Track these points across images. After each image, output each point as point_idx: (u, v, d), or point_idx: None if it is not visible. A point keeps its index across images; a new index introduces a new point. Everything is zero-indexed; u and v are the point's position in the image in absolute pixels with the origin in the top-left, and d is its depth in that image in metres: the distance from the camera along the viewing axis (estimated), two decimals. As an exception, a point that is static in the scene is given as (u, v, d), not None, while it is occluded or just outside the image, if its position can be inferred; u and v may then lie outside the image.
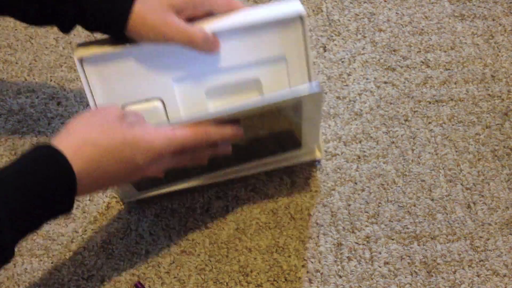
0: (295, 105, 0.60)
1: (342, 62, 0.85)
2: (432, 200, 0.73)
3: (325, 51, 0.86)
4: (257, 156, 0.71)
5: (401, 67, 0.84)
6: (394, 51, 0.86)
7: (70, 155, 0.50)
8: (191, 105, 0.66)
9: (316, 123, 0.67)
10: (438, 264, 0.69)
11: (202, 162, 0.61)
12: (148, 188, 0.71)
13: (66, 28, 0.61)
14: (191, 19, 0.60)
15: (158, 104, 0.65)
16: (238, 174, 0.73)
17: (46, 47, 0.88)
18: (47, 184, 0.50)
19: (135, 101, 0.65)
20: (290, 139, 0.69)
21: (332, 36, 0.87)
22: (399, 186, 0.74)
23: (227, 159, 0.66)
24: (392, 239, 0.71)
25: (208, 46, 0.61)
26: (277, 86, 0.66)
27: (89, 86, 0.64)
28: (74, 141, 0.52)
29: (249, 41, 0.64)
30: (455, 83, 0.83)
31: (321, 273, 0.69)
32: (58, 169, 0.50)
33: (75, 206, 0.74)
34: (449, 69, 0.84)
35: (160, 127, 0.56)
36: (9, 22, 0.91)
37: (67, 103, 0.82)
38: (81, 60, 0.62)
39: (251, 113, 0.59)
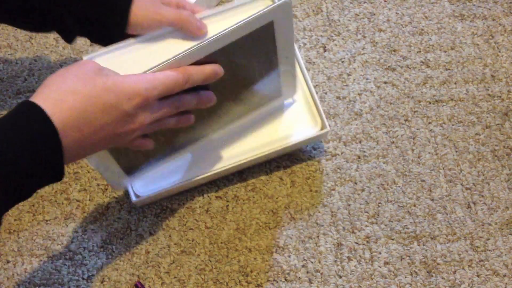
0: (267, 34, 0.61)
1: (342, 62, 0.85)
2: (432, 200, 0.73)
3: (325, 51, 0.86)
4: (239, 113, 0.70)
5: (401, 67, 0.84)
6: (394, 51, 0.86)
7: (50, 107, 0.47)
8: None
9: (290, 61, 0.65)
10: (438, 264, 0.69)
11: (188, 120, 0.60)
12: (139, 167, 0.68)
13: (69, 39, 0.66)
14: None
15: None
16: (232, 163, 0.71)
17: (46, 47, 0.88)
18: (28, 143, 0.46)
19: None
20: (269, 86, 0.68)
21: (332, 36, 0.87)
22: (399, 186, 0.74)
23: (210, 124, 0.67)
24: (392, 239, 0.71)
25: (197, 28, 0.65)
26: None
27: None
28: (53, 93, 0.49)
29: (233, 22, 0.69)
30: (455, 83, 0.83)
31: (321, 273, 0.69)
32: (37, 126, 0.47)
33: (75, 205, 0.74)
34: (449, 69, 0.84)
35: (140, 74, 0.54)
36: (9, 22, 0.92)
37: (67, 103, 0.82)
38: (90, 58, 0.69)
39: (226, 45, 0.58)
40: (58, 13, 0.62)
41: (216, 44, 0.57)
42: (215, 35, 0.56)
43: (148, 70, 0.54)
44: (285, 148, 0.72)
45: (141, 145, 0.58)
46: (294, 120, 0.74)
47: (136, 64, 0.64)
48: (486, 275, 0.68)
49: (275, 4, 0.58)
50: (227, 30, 0.57)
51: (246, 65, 0.64)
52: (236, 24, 0.57)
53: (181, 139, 0.68)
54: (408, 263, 0.69)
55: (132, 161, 0.66)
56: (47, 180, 0.49)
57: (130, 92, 0.51)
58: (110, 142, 0.54)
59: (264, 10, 0.58)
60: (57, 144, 0.47)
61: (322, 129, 0.73)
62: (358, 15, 0.90)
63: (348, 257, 0.69)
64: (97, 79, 0.50)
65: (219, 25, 0.67)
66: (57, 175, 0.49)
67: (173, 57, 0.55)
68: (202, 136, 0.71)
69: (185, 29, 0.63)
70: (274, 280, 0.68)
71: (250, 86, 0.68)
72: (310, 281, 0.68)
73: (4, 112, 0.82)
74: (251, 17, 0.57)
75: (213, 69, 0.58)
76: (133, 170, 0.68)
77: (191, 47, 0.56)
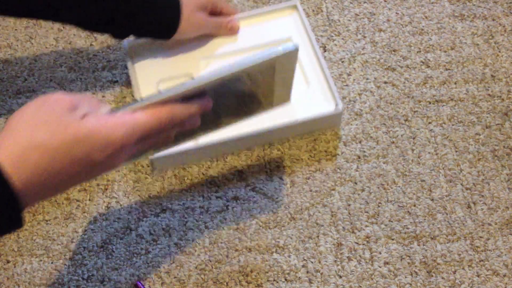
0: (268, 66, 0.57)
1: (342, 62, 0.85)
2: (432, 200, 0.73)
3: (325, 51, 0.86)
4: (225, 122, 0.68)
5: (401, 67, 0.84)
6: (394, 51, 0.86)
7: (11, 166, 0.43)
8: None
9: (288, 80, 0.63)
10: (438, 264, 0.69)
11: (168, 141, 0.56)
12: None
13: (120, 36, 0.77)
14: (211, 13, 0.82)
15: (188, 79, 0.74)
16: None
17: (46, 47, 0.88)
18: None
19: (169, 77, 0.74)
20: (261, 99, 0.66)
21: (332, 36, 0.87)
22: (399, 186, 0.74)
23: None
24: (392, 239, 0.71)
25: (232, 30, 0.84)
26: None
27: (133, 66, 0.81)
28: (16, 147, 0.44)
29: (260, 28, 0.85)
30: (455, 83, 0.83)
31: (321, 273, 0.69)
32: None
33: (75, 205, 0.74)
34: (449, 69, 0.84)
35: (118, 113, 0.49)
36: (9, 22, 0.91)
37: (67, 103, 0.82)
38: (131, 47, 0.83)
39: (221, 82, 0.54)
40: (114, 11, 0.72)
41: (211, 83, 0.53)
42: (214, 73, 0.52)
43: (132, 106, 0.50)
44: (303, 124, 0.75)
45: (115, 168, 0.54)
46: (309, 103, 0.78)
47: (172, 56, 0.81)
48: (486, 275, 0.68)
49: (281, 51, 0.55)
50: (228, 72, 0.53)
51: (238, 95, 0.62)
52: (235, 66, 0.53)
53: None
54: (408, 263, 0.69)
55: None
56: (5, 230, 0.47)
57: (104, 144, 0.46)
58: (80, 182, 0.50)
59: (269, 55, 0.54)
60: (16, 203, 0.44)
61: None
62: (358, 15, 0.90)
63: (348, 257, 0.69)
64: (68, 126, 0.45)
65: (249, 30, 0.83)
66: (15, 225, 0.46)
67: (160, 96, 0.51)
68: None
69: (220, 34, 0.83)
70: (274, 280, 0.68)
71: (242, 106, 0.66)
72: (310, 281, 0.68)
73: (4, 112, 0.82)
74: (254, 60, 0.54)
75: (201, 108, 0.53)
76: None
77: (182, 87, 0.52)
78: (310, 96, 0.78)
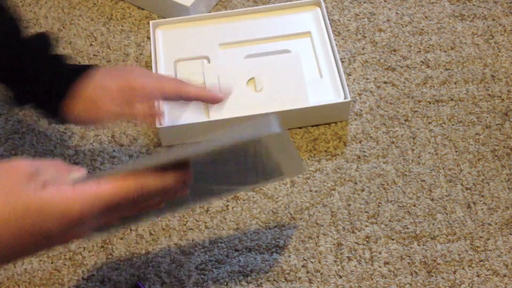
0: (254, 144, 0.52)
1: (342, 62, 0.85)
2: (432, 200, 0.73)
3: (325, 51, 0.86)
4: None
5: (401, 67, 0.84)
6: (394, 51, 0.86)
7: None
8: (231, 65, 0.83)
9: (292, 154, 0.57)
10: (438, 264, 0.69)
11: (154, 210, 0.51)
12: None
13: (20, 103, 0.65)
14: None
15: (204, 61, 0.84)
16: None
17: (46, 47, 0.88)
18: None
19: (187, 57, 0.84)
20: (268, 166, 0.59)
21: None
22: (399, 186, 0.74)
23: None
24: (392, 239, 0.71)
25: (216, 98, 0.65)
26: (303, 54, 0.84)
27: (155, 45, 0.85)
28: None
29: (281, 20, 0.88)
30: (455, 83, 0.83)
31: (321, 273, 0.69)
32: None
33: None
34: (449, 69, 0.84)
35: (82, 183, 0.44)
36: (9, 22, 0.91)
37: (67, 103, 0.82)
38: (155, 24, 0.87)
39: (205, 155, 0.50)
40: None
41: (192, 155, 0.48)
42: (193, 148, 0.47)
43: (100, 175, 0.46)
44: (314, 110, 0.77)
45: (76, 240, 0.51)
46: (321, 92, 0.80)
47: (190, 39, 0.84)
48: (486, 275, 0.68)
49: (264, 132, 0.48)
50: (207, 148, 0.48)
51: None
52: (219, 142, 0.48)
53: None
54: (408, 263, 0.69)
55: None
56: None
57: (59, 216, 0.43)
58: (38, 252, 0.46)
59: (250, 136, 0.49)
60: None
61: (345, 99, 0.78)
62: (358, 15, 0.90)
63: (348, 257, 0.69)
64: (21, 197, 0.42)
65: (268, 21, 0.85)
66: None
67: (133, 164, 0.47)
68: None
69: (204, 99, 0.65)
70: (274, 280, 0.68)
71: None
72: (310, 281, 0.68)
73: (4, 112, 0.82)
74: (234, 138, 0.48)
75: (178, 178, 0.47)
76: None
77: (156, 157, 0.49)
78: (322, 86, 0.80)
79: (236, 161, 0.54)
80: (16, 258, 0.46)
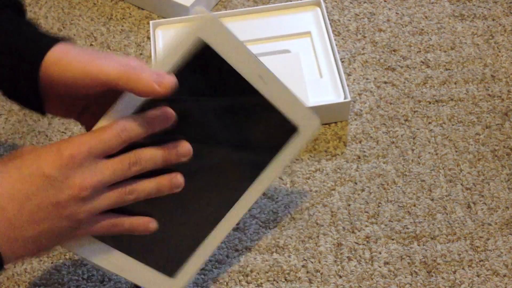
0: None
1: (342, 62, 0.85)
2: (432, 200, 0.73)
3: (325, 51, 0.86)
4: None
5: (401, 67, 0.84)
6: (394, 51, 0.86)
7: None
8: None
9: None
10: (438, 264, 0.69)
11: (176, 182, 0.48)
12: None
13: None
14: None
15: None
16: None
17: (46, 47, 0.88)
18: None
19: None
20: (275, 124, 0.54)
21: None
22: (399, 186, 0.74)
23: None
24: (392, 239, 0.71)
25: (151, 84, 0.46)
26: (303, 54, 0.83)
27: (155, 45, 0.84)
28: None
29: (282, 19, 0.87)
30: (455, 83, 0.83)
31: (321, 273, 0.69)
32: None
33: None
34: (449, 69, 0.84)
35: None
36: (9, 22, 0.91)
37: (67, 103, 0.82)
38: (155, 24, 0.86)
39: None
40: None
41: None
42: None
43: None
44: (314, 109, 0.74)
45: (113, 225, 0.47)
46: (321, 92, 0.80)
47: None
48: (486, 275, 0.68)
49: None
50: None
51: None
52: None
53: None
54: (408, 263, 0.69)
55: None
56: None
57: (51, 154, 0.42)
58: (56, 225, 0.43)
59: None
60: None
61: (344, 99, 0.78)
62: (358, 15, 0.90)
63: (348, 257, 0.69)
64: (14, 152, 0.43)
65: (269, 21, 0.80)
66: None
67: (116, 111, 0.45)
68: None
69: (132, 87, 0.44)
70: (274, 280, 0.68)
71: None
72: (310, 281, 0.68)
73: (4, 112, 0.82)
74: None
75: (158, 115, 0.45)
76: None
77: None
78: (322, 86, 0.80)
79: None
80: (45, 234, 0.43)
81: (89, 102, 0.51)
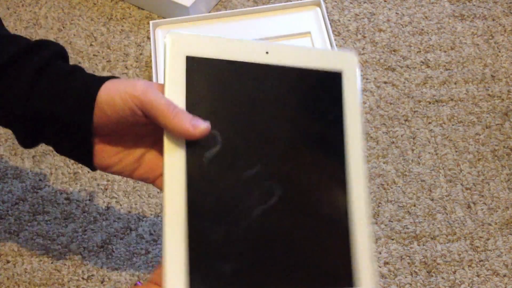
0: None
1: (342, 62, 0.85)
2: (432, 200, 0.73)
3: (325, 51, 0.86)
4: None
5: (401, 67, 0.84)
6: (394, 51, 0.86)
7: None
8: None
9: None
10: (438, 264, 0.69)
11: None
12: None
13: (25, 144, 0.50)
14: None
15: None
16: None
17: (46, 47, 0.88)
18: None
19: None
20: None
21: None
22: (399, 186, 0.74)
23: None
24: (392, 239, 0.71)
25: (190, 127, 0.45)
26: None
27: (155, 45, 0.85)
28: None
29: (280, 19, 0.88)
30: (455, 83, 0.83)
31: (321, 273, 0.69)
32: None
33: (75, 205, 0.74)
34: (449, 69, 0.84)
35: None
36: (9, 22, 0.91)
37: (67, 103, 0.82)
38: (155, 24, 0.86)
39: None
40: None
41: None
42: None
43: None
44: None
45: None
46: None
47: None
48: (486, 275, 0.68)
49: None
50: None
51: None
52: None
53: None
54: (408, 263, 0.69)
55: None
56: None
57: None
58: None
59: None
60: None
61: None
62: (358, 15, 0.90)
63: (348, 257, 0.70)
64: None
65: (268, 20, 0.82)
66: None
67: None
68: None
69: (169, 126, 0.44)
70: (274, 280, 0.68)
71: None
72: (310, 281, 0.68)
73: (4, 112, 0.82)
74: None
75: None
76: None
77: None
78: None
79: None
80: None
81: (138, 137, 0.50)
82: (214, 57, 0.48)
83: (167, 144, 0.44)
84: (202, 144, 0.45)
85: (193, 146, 0.45)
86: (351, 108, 0.52)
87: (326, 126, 0.51)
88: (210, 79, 0.47)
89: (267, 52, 0.50)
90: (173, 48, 0.46)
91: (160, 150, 0.47)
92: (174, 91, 0.46)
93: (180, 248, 0.43)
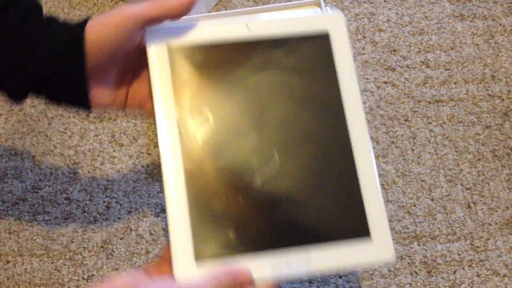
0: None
1: (342, 62, 0.85)
2: (432, 200, 0.73)
3: (325, 51, 0.86)
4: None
5: (401, 67, 0.84)
6: (394, 51, 0.86)
7: None
8: None
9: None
10: (438, 264, 0.69)
11: None
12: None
13: (16, 96, 0.48)
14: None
15: None
16: None
17: (46, 47, 0.88)
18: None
19: None
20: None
21: (332, 36, 0.88)
22: (399, 186, 0.74)
23: None
24: (392, 239, 0.71)
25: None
26: None
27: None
28: None
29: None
30: (455, 83, 0.83)
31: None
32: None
33: (75, 205, 0.74)
34: (449, 69, 0.84)
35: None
36: (9, 22, 0.91)
37: (67, 103, 0.82)
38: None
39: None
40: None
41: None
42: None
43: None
44: None
45: None
46: None
47: None
48: (486, 275, 0.68)
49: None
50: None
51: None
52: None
53: None
54: (408, 263, 0.69)
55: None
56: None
57: None
58: None
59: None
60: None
61: None
62: (358, 15, 0.90)
63: (348, 257, 0.70)
64: None
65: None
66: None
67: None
68: None
69: (166, 12, 0.46)
70: (274, 280, 0.68)
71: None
72: (310, 281, 0.68)
73: (4, 112, 0.82)
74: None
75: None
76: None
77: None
78: None
79: None
80: None
81: (126, 71, 0.51)
82: (196, 43, 0.49)
83: (160, 126, 0.46)
84: (195, 124, 0.47)
85: (186, 126, 0.47)
86: (344, 66, 0.51)
87: (320, 88, 0.51)
88: (194, 65, 0.48)
89: (248, 28, 0.50)
90: (153, 43, 0.48)
91: (140, 83, 0.50)
92: (161, 85, 0.47)
93: (184, 219, 0.44)
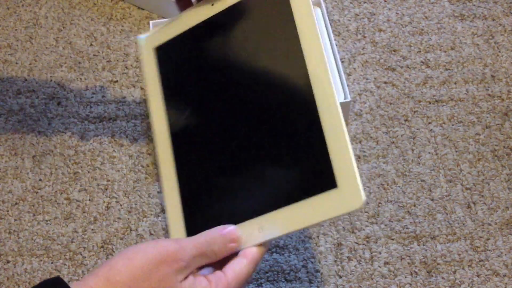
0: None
1: (342, 62, 0.85)
2: (432, 200, 0.73)
3: (325, 51, 0.86)
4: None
5: (401, 67, 0.84)
6: (394, 51, 0.86)
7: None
8: None
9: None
10: (438, 264, 0.69)
11: None
12: None
13: None
14: None
15: None
16: None
17: (46, 47, 0.88)
18: None
19: None
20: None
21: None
22: (399, 186, 0.74)
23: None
24: (392, 239, 0.71)
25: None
26: None
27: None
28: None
29: None
30: (455, 83, 0.83)
31: (321, 273, 0.69)
32: None
33: (75, 205, 0.74)
34: (449, 69, 0.84)
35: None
36: (9, 22, 0.91)
37: (67, 103, 0.82)
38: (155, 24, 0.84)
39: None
40: None
41: None
42: None
43: None
44: None
45: None
46: None
47: None
48: (486, 275, 0.68)
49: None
50: None
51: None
52: None
53: None
54: (408, 263, 0.69)
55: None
56: None
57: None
58: None
59: None
60: None
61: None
62: (358, 15, 0.90)
63: (348, 257, 0.69)
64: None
65: None
66: None
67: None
68: None
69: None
70: (274, 280, 0.68)
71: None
72: (310, 281, 0.68)
73: (4, 112, 0.82)
74: None
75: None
76: None
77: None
78: None
79: None
80: None
81: None
82: (172, 36, 0.56)
83: (153, 111, 0.54)
84: (179, 108, 0.54)
85: (173, 110, 0.54)
86: (304, 23, 0.50)
87: (281, 43, 0.51)
88: (174, 55, 0.55)
89: (212, 4, 0.55)
90: (143, 48, 0.56)
91: None
92: (151, 83, 0.55)
93: (175, 195, 0.52)
